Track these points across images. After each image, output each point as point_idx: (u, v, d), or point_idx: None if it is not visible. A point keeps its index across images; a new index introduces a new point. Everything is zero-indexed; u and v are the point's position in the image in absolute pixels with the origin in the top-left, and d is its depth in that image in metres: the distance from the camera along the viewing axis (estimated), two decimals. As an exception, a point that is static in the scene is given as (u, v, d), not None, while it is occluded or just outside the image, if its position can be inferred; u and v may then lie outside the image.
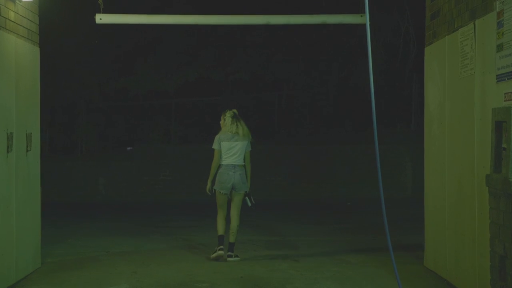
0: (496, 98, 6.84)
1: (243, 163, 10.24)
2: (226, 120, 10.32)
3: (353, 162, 19.99)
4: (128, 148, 21.13)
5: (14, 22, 8.53)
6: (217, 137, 10.32)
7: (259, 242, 12.01)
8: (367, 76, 5.91)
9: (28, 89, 9.11)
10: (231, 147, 10.16)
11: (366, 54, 5.94)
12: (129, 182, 19.78)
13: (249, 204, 10.35)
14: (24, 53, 8.92)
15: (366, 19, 6.02)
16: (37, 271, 9.31)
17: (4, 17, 8.18)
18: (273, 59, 23.23)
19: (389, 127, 21.19)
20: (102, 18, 9.70)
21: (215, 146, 10.23)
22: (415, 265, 9.67)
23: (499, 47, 6.77)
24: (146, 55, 22.69)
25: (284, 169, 20.09)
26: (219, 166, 10.21)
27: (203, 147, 14.62)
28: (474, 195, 7.47)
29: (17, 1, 8.55)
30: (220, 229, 10.23)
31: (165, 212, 16.39)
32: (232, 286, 8.56)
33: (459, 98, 8.12)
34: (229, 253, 10.04)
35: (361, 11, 9.46)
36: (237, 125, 10.28)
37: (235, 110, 10.53)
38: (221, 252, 10.00)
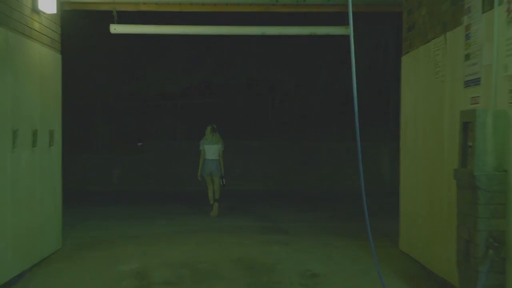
0: (463, 101, 6.90)
1: (218, 158, 13.52)
2: (206, 132, 13.64)
3: (338, 157, 20.05)
4: (139, 144, 21.15)
5: (39, 32, 8.59)
6: (201, 142, 13.66)
7: (254, 227, 12.07)
8: (351, 81, 5.92)
9: (51, 92, 9.17)
10: (210, 148, 13.51)
11: (350, 62, 5.95)
12: (139, 173, 19.85)
13: (223, 183, 13.48)
14: (48, 60, 8.97)
15: (350, 30, 6.04)
16: (58, 251, 9.39)
17: (30, 27, 8.23)
18: (267, 66, 23.26)
19: (370, 126, 21.21)
20: (116, 28, 9.76)
21: (201, 147, 13.59)
22: (391, 248, 9.73)
23: (467, 57, 6.83)
24: (156, 61, 22.71)
25: (277, 163, 20.13)
26: (204, 159, 13.54)
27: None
28: (444, 187, 7.53)
29: (41, 13, 8.60)
30: (211, 200, 13.64)
31: (170, 200, 16.42)
32: (230, 266, 8.62)
33: (431, 101, 8.16)
34: (216, 203, 13.47)
35: (346, 23, 9.49)
36: (212, 135, 13.57)
37: (214, 125, 13.74)
38: (214, 213, 13.39)
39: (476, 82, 6.55)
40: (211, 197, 13.60)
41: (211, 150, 13.49)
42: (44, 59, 8.77)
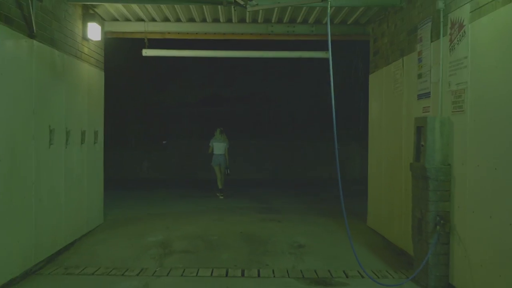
0: (417, 110, 6.96)
1: (224, 153, 13.80)
2: (216, 133, 13.98)
3: (320, 153, 20.03)
4: (163, 142, 21.13)
5: (87, 55, 8.64)
6: (211, 140, 13.94)
7: (253, 208, 12.08)
8: (329, 93, 5.96)
9: (96, 101, 9.20)
10: (218, 145, 13.78)
11: (329, 78, 5.98)
12: (163, 165, 19.84)
13: (228, 172, 13.80)
14: (94, 76, 9.02)
15: (329, 54, 6.08)
16: (101, 225, 9.46)
17: (80, 51, 8.29)
18: (265, 82, 23.23)
19: (344, 129, 21.17)
20: (147, 52, 9.78)
21: (210, 144, 13.91)
22: (361, 225, 9.77)
23: (419, 76, 6.89)
24: (177, 77, 22.71)
25: (271, 158, 20.10)
26: (213, 154, 13.88)
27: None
28: (402, 177, 7.59)
29: (89, 40, 8.64)
30: (219, 185, 13.89)
31: (188, 186, 16.40)
32: (234, 237, 8.69)
33: (392, 110, 8.21)
34: (219, 193, 13.81)
35: (326, 49, 9.53)
36: (221, 135, 13.90)
37: (222, 128, 14.11)
38: (221, 196, 13.63)
39: (426, 95, 6.61)
40: (219, 183, 13.91)
41: (219, 146, 13.84)
42: (90, 76, 8.81)
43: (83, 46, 8.44)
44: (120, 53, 15.49)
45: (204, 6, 8.83)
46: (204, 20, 9.73)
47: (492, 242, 5.04)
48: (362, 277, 6.48)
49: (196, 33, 10.01)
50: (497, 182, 4.94)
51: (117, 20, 9.67)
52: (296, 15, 9.44)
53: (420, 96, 6.84)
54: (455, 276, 5.80)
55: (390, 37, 8.39)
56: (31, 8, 6.27)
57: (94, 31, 8.57)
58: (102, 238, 8.49)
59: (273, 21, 9.74)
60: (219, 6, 8.71)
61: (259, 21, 9.76)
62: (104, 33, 9.56)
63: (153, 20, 9.68)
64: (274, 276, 6.55)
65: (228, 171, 13.91)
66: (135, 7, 8.85)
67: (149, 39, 9.87)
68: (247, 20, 9.74)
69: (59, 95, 7.38)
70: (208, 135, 14.68)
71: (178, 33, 10.03)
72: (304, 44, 12.30)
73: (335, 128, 6.00)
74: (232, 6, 7.62)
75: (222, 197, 13.65)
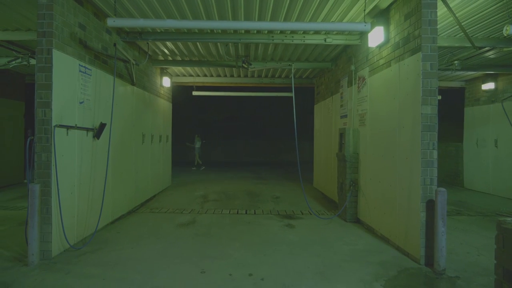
0: (340, 124, 6.95)
1: (199, 146, 13.67)
2: (196, 137, 13.71)
3: (289, 147, 20.04)
4: (203, 141, 20.94)
5: (163, 94, 8.60)
6: (195, 141, 13.59)
7: (251, 177, 11.91)
8: (293, 116, 6.01)
9: (167, 119, 9.12)
10: (198, 143, 13.53)
11: (293, 109, 5.98)
12: (202, 153, 19.67)
13: (199, 156, 13.90)
14: (166, 106, 8.95)
15: (292, 94, 6.11)
16: (169, 186, 9.38)
17: (159, 92, 8.25)
18: (258, 109, 23.11)
19: (302, 133, 21.16)
20: (194, 92, 9.70)
21: (195, 143, 13.63)
22: (310, 186, 9.68)
23: (341, 106, 6.89)
24: (211, 105, 22.58)
25: (261, 149, 20.01)
26: (195, 147, 13.59)
27: (230, 142, 14.77)
28: (332, 160, 7.56)
29: (164, 86, 8.62)
30: (199, 162, 13.70)
31: (216, 166, 16.31)
32: (241, 193, 8.62)
33: (326, 124, 8.18)
34: (197, 167, 13.75)
35: (291, 91, 9.54)
36: (198, 137, 13.61)
37: (198, 134, 14.06)
38: (202, 168, 13.58)
39: (345, 116, 6.61)
40: (197, 161, 14.19)
41: (198, 143, 14.09)
42: (164, 105, 8.78)
43: (160, 89, 8.44)
44: (180, 92, 15.49)
45: (225, 68, 8.87)
46: (225, 75, 9.75)
47: (379, 195, 5.14)
48: (311, 214, 6.52)
49: (221, 82, 10.05)
50: (381, 163, 5.04)
51: (178, 75, 9.68)
52: (275, 72, 9.48)
53: (342, 117, 6.87)
54: (360, 214, 5.86)
55: (325, 85, 8.39)
56: (132, 69, 6.32)
57: (166, 81, 8.56)
58: (170, 193, 8.49)
59: (262, 76, 9.75)
60: (233, 68, 8.76)
61: (255, 76, 9.76)
62: (172, 82, 9.54)
63: (198, 75, 9.69)
64: (263, 213, 6.58)
65: (200, 159, 14.26)
66: (188, 69, 8.88)
67: (196, 86, 9.86)
68: (248, 76, 9.74)
69: (147, 116, 7.37)
70: (226, 137, 14.65)
71: (211, 82, 10.04)
72: (280, 88, 12.32)
73: (296, 134, 6.08)
74: (240, 68, 7.69)
75: (203, 168, 13.87)
